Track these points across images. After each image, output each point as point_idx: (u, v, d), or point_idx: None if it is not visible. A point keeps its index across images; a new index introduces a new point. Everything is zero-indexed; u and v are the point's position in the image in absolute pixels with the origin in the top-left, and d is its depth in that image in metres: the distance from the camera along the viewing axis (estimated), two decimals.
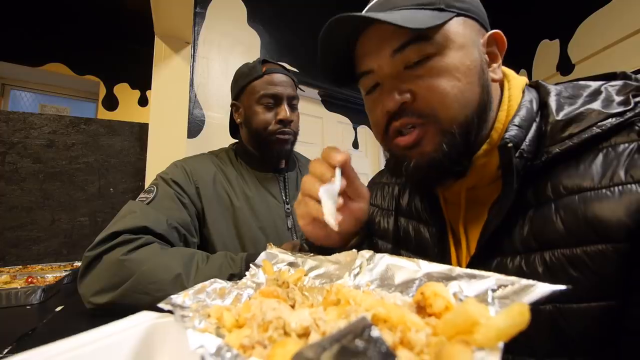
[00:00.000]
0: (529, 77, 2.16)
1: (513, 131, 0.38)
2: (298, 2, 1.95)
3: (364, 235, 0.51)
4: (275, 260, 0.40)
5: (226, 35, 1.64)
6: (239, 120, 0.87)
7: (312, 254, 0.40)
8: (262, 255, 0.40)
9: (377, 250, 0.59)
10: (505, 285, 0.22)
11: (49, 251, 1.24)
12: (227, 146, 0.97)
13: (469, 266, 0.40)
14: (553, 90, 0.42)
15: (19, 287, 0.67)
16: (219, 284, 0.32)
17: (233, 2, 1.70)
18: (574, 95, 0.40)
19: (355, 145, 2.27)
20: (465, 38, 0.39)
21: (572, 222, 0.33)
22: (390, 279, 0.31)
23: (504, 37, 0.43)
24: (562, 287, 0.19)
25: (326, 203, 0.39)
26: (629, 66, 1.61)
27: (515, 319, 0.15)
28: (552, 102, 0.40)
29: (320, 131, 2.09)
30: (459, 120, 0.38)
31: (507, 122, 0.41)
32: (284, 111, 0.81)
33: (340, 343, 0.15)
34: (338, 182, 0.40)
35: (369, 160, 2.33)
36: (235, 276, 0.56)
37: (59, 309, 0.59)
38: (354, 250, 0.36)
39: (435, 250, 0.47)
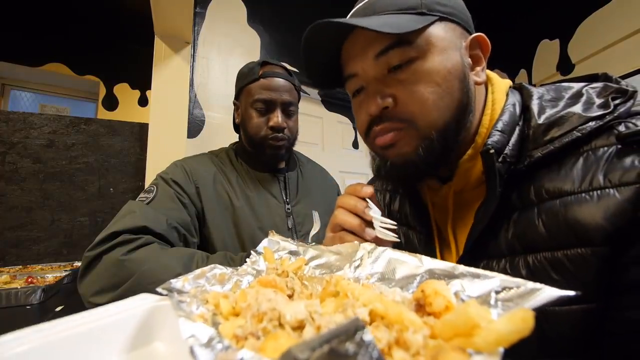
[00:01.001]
0: (529, 77, 2.16)
1: (495, 136, 0.38)
2: (298, 2, 1.95)
3: None
4: (276, 248, 0.40)
5: (226, 36, 1.64)
6: (237, 120, 0.88)
7: (313, 244, 0.40)
8: (264, 242, 0.40)
9: None
10: (510, 288, 0.21)
11: (49, 251, 1.24)
12: (227, 146, 0.97)
13: None
14: (535, 93, 0.42)
15: (19, 287, 0.67)
16: (219, 269, 0.31)
17: (233, 2, 1.70)
18: (556, 98, 0.40)
19: (355, 145, 2.27)
20: (446, 42, 0.40)
21: (554, 225, 0.34)
22: (391, 273, 0.30)
23: (488, 40, 0.43)
24: (571, 292, 0.19)
25: (377, 221, 0.40)
26: (629, 66, 1.61)
27: (517, 325, 0.15)
28: (534, 105, 0.40)
29: (320, 131, 2.09)
30: (437, 125, 0.39)
31: (490, 126, 0.41)
32: (276, 118, 0.79)
33: (330, 345, 0.14)
34: (376, 208, 0.42)
35: (369, 160, 2.32)
36: None
37: (59, 309, 0.59)
38: (356, 242, 0.36)
39: (422, 254, 0.48)
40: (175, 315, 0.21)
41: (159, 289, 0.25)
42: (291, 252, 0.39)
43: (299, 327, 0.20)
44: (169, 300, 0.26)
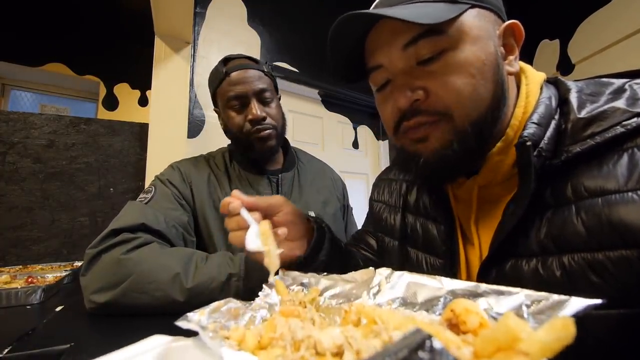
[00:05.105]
0: None
1: (531, 129, 0.37)
2: (298, 2, 1.95)
3: (321, 252, 0.51)
4: (287, 283, 0.39)
5: (226, 35, 1.64)
6: (222, 126, 0.86)
7: (325, 274, 0.39)
8: (275, 277, 0.39)
9: (383, 246, 0.58)
10: (539, 301, 0.21)
11: (49, 251, 1.24)
12: (225, 146, 0.96)
13: (482, 267, 0.39)
14: (574, 86, 0.40)
15: (19, 287, 0.67)
16: (233, 304, 0.31)
17: (233, 2, 1.70)
18: (596, 93, 0.38)
19: (355, 145, 2.27)
20: (480, 30, 0.38)
21: (595, 225, 0.32)
22: (413, 297, 0.30)
23: (522, 27, 0.40)
24: (598, 301, 0.19)
25: (250, 234, 0.40)
26: (629, 66, 1.61)
27: (559, 333, 0.15)
28: (573, 99, 0.38)
29: (320, 131, 2.08)
30: (472, 117, 0.37)
31: (524, 119, 0.40)
32: (253, 109, 0.76)
33: (397, 356, 0.13)
34: (251, 220, 0.42)
35: (369, 160, 2.32)
36: (234, 276, 0.56)
37: (59, 309, 0.59)
38: (371, 268, 0.36)
39: (443, 248, 0.46)
40: (191, 357, 0.20)
41: (178, 323, 0.24)
42: (303, 284, 0.38)
43: (338, 353, 0.19)
44: (183, 341, 0.25)
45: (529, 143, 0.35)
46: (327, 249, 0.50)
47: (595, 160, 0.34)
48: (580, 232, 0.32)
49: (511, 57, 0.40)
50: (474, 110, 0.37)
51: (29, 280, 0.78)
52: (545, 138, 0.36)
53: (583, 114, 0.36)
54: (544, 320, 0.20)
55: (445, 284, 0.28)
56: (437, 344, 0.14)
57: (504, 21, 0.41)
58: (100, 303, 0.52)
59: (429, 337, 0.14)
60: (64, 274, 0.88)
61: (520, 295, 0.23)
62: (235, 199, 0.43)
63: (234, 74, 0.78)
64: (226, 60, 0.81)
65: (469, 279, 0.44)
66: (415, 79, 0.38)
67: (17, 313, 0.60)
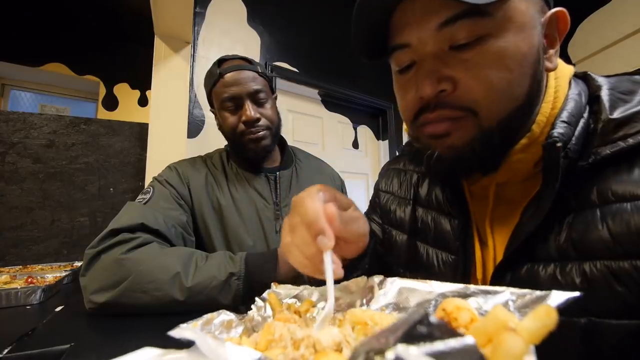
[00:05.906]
0: None
1: (561, 128, 0.34)
2: (298, 2, 1.95)
3: (366, 257, 0.45)
4: (280, 297, 0.39)
5: (226, 35, 1.64)
6: (218, 126, 0.86)
7: (316, 287, 0.38)
8: (268, 290, 0.39)
9: (390, 239, 0.57)
10: (523, 296, 0.23)
11: (49, 251, 1.24)
12: (222, 147, 0.97)
13: (496, 271, 0.38)
14: (605, 83, 0.37)
15: (19, 287, 0.67)
16: (226, 316, 0.31)
17: (233, 2, 1.70)
18: (630, 92, 0.35)
19: (355, 145, 2.27)
20: (526, 17, 0.33)
21: (622, 232, 0.30)
22: (405, 301, 0.30)
23: (568, 17, 0.36)
24: (576, 294, 0.19)
25: (329, 286, 0.30)
26: (629, 66, 1.61)
27: (543, 320, 0.15)
28: (605, 97, 0.35)
29: (320, 131, 2.08)
30: (500, 116, 0.34)
31: (552, 115, 0.36)
32: (247, 111, 0.77)
33: (400, 331, 0.14)
34: (331, 287, 0.30)
35: (369, 160, 2.33)
36: (234, 275, 0.56)
37: (59, 309, 0.59)
38: (364, 276, 0.35)
39: (456, 243, 0.44)
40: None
41: (171, 333, 0.23)
42: (296, 297, 0.38)
43: (337, 350, 0.20)
44: (174, 354, 0.24)
45: (559, 144, 0.33)
46: (369, 256, 0.47)
47: (625, 164, 0.32)
48: (605, 239, 0.31)
49: (551, 51, 0.37)
50: (504, 109, 0.34)
51: (29, 280, 0.78)
52: (574, 138, 0.34)
53: (616, 114, 0.33)
54: (528, 312, 0.21)
55: (435, 287, 0.29)
56: (434, 319, 0.15)
57: (549, 8, 0.37)
58: (100, 303, 0.52)
59: (427, 314, 0.16)
60: (63, 274, 0.88)
61: (506, 293, 0.24)
62: (331, 235, 0.30)
63: (227, 76, 0.78)
64: (221, 61, 0.81)
65: (483, 279, 0.42)
66: (445, 66, 0.34)
67: (17, 313, 0.60)
